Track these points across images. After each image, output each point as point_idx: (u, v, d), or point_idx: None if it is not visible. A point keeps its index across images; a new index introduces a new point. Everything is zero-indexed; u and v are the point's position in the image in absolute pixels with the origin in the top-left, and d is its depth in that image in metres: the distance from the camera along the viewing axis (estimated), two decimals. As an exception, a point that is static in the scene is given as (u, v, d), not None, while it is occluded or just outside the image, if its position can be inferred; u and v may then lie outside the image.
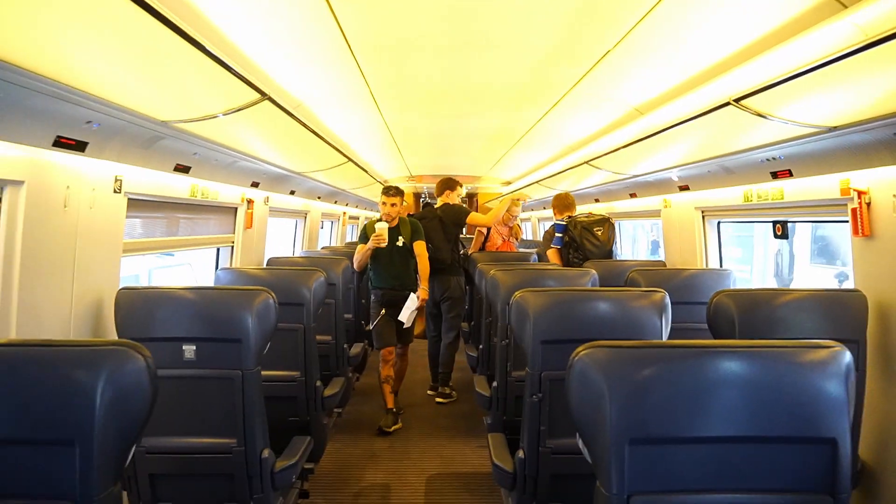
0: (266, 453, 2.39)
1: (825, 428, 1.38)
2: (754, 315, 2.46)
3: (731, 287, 3.58)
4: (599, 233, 4.78)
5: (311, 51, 2.79)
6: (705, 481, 1.40)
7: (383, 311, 4.64)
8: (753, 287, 4.15)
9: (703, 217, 4.32)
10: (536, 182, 7.09)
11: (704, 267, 4.37)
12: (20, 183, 2.05)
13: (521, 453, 2.41)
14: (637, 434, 1.38)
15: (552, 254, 4.98)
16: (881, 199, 2.52)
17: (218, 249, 4.37)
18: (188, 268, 7.43)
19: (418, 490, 3.68)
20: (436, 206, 5.44)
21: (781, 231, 3.30)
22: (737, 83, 2.40)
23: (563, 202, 5.18)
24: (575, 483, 2.29)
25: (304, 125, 3.31)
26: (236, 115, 2.58)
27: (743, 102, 2.36)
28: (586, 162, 4.42)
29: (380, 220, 4.59)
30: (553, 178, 6.06)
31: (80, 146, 2.14)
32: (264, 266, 4.65)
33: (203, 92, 2.35)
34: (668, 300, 2.38)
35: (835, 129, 2.33)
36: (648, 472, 1.38)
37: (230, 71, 2.10)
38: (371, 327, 4.72)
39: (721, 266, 4.39)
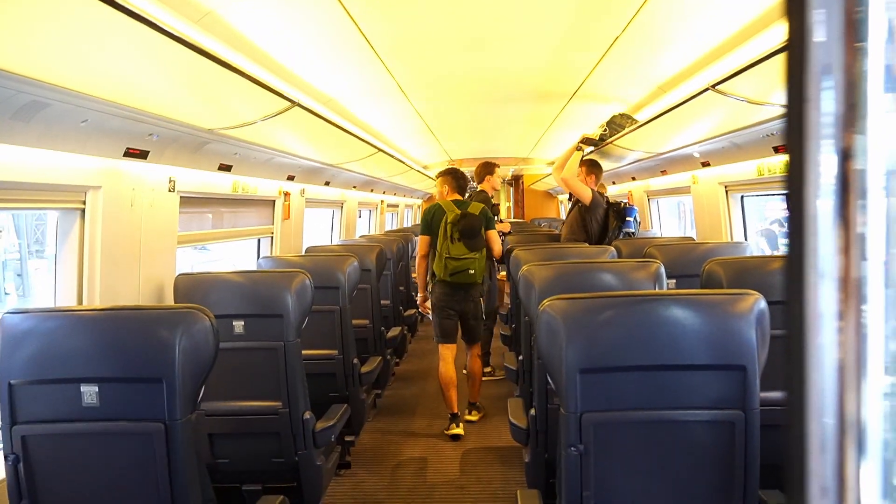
0: (307, 415, 3.02)
1: (737, 357, 1.90)
2: (745, 280, 2.91)
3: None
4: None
5: (336, 56, 3.43)
6: (641, 401, 1.94)
7: None
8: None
9: (727, 192, 4.77)
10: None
11: (729, 240, 4.81)
12: (98, 188, 2.74)
13: None
14: (585, 365, 1.93)
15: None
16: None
17: (259, 240, 5.07)
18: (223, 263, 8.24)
19: (454, 462, 4.29)
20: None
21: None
22: (717, 71, 2.90)
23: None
24: None
25: (332, 123, 3.93)
26: (270, 121, 3.22)
27: (719, 87, 2.85)
28: (613, 142, 4.91)
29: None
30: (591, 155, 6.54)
31: (143, 154, 2.82)
32: (302, 254, 5.32)
33: (241, 103, 3.00)
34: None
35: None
36: (596, 395, 1.93)
37: (261, 85, 2.73)
38: None
39: (745, 238, 4.82)
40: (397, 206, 11.46)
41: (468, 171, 11.71)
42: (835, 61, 0.38)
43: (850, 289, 0.39)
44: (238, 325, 3.02)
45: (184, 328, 2.00)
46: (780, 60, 2.54)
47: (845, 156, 0.39)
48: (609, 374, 1.97)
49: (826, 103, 0.38)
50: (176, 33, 2.14)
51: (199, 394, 2.08)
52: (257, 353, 3.00)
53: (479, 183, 5.78)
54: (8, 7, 1.63)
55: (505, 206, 13.99)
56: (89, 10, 1.74)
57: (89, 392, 2.00)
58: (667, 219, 7.53)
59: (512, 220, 11.45)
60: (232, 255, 5.49)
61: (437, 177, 5.03)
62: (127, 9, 1.84)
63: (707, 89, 2.94)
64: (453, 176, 4.92)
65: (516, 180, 12.50)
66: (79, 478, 2.06)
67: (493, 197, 5.83)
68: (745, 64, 2.60)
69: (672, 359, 1.94)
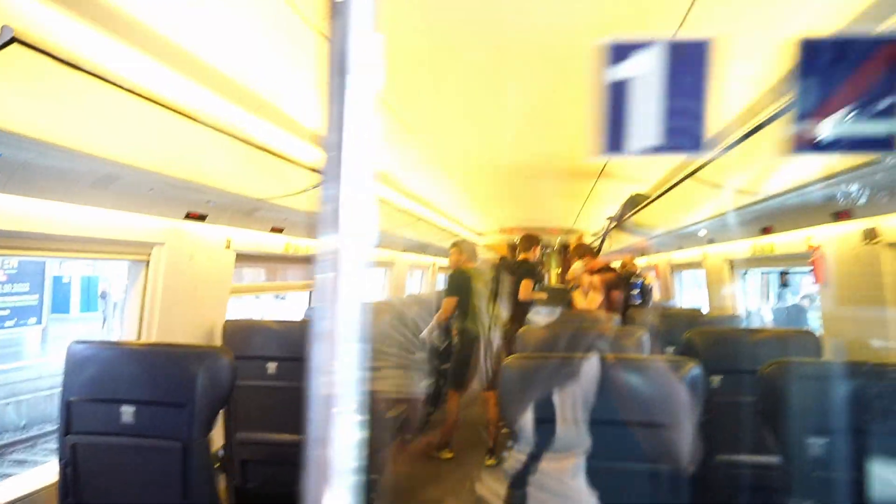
0: None
1: (669, 416, 2.00)
2: (718, 351, 2.97)
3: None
4: None
5: (378, 137, 3.71)
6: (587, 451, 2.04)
7: None
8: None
9: (732, 267, 4.79)
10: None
11: (734, 312, 4.80)
12: (162, 244, 3.08)
13: None
14: (538, 416, 2.06)
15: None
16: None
17: (310, 292, 5.37)
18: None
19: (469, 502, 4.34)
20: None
21: (784, 280, 3.75)
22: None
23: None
24: None
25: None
26: (313, 192, 3.52)
27: (696, 176, 2.98)
28: (631, 217, 5.03)
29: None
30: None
31: (201, 217, 3.15)
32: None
33: (286, 177, 3.31)
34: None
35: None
36: (545, 444, 2.05)
37: (302, 165, 3.02)
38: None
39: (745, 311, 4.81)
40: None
41: (516, 238, 11.91)
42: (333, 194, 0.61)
43: (331, 345, 0.53)
44: (272, 366, 3.25)
45: (207, 364, 2.25)
46: (746, 150, 2.66)
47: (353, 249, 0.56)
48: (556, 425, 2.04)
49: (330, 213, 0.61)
50: (225, 128, 2.45)
51: (215, 420, 2.31)
52: (286, 391, 3.20)
53: (524, 252, 6.05)
54: (87, 105, 1.97)
55: (555, 272, 13.99)
56: (155, 112, 2.06)
57: (127, 412, 2.26)
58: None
59: (556, 285, 11.42)
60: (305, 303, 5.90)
61: (452, 247, 5.51)
62: (183, 112, 2.17)
63: (687, 177, 3.06)
64: (467, 246, 5.54)
65: (564, 248, 12.53)
66: (115, 483, 2.30)
67: (536, 265, 6.19)
68: (714, 154, 2.71)
69: (615, 415, 2.05)
